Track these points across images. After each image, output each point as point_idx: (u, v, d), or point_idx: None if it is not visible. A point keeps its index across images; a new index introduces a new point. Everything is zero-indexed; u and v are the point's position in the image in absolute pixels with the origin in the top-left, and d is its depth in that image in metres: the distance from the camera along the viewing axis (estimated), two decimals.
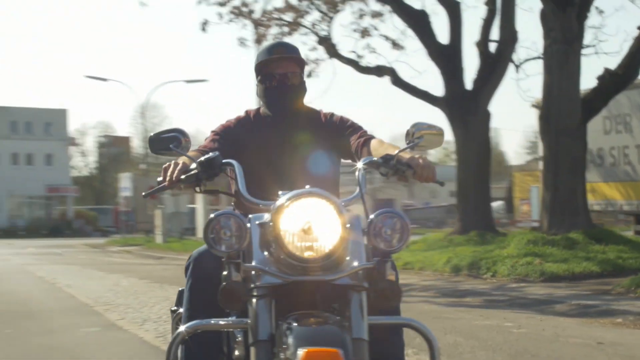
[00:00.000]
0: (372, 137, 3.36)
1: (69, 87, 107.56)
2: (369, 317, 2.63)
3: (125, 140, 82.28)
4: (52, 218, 60.89)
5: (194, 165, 2.95)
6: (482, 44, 17.07)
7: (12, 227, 55.16)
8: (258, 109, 3.57)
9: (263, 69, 3.44)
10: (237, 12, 17.25)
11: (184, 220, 35.63)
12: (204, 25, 17.25)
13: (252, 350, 2.57)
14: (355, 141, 3.37)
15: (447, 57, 16.91)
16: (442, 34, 17.38)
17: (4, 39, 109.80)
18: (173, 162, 3.01)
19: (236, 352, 2.88)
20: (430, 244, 16.80)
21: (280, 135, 3.40)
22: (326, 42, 17.52)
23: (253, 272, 2.60)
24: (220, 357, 3.20)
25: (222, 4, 16.92)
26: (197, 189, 3.00)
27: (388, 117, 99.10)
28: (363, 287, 2.60)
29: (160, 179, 3.02)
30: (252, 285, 2.59)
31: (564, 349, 6.63)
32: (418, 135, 3.03)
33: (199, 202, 30.35)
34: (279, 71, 3.41)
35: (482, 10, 17.59)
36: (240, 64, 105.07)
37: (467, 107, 16.70)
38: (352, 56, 17.88)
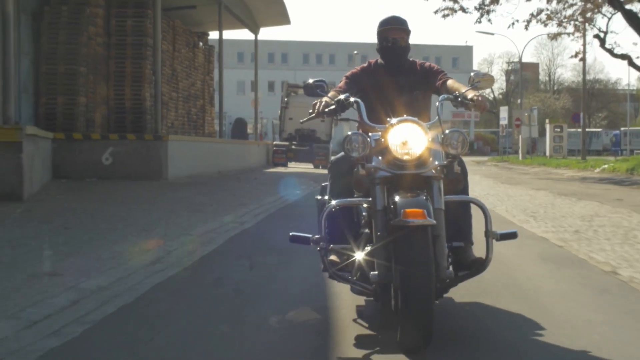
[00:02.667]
0: (448, 79, 4.70)
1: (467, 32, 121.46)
2: (445, 197, 4.07)
3: (534, 67, 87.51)
4: None
5: (332, 103, 4.34)
6: None
7: None
8: (377, 61, 4.91)
9: (382, 34, 4.77)
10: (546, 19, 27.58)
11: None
12: (527, 26, 27.78)
13: (374, 218, 4.02)
14: (438, 81, 4.71)
15: None
16: None
17: None
18: (319, 100, 4.43)
19: (362, 222, 4.44)
20: None
21: (390, 79, 4.76)
22: (599, 38, 27.19)
23: (372, 170, 4.03)
24: (352, 226, 4.52)
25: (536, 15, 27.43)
26: (335, 117, 4.43)
27: None
28: (440, 177, 4.03)
29: (311, 111, 4.44)
30: (372, 177, 4.03)
31: None
32: (477, 80, 4.41)
33: (548, 130, 40.52)
34: (393, 36, 4.74)
35: None
36: None
37: None
38: (608, 47, 27.46)
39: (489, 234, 4.11)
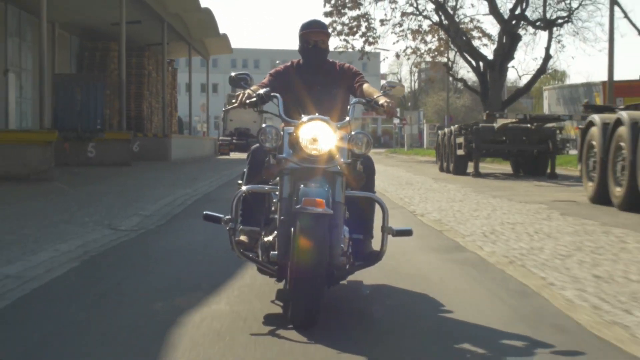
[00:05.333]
0: (365, 82, 5.00)
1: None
2: (349, 191, 4.41)
3: (441, 66, 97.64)
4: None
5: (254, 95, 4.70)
6: None
7: None
8: (299, 61, 5.17)
9: (304, 36, 5.04)
10: (410, 53, 39.46)
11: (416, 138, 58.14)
12: (397, 57, 39.71)
13: (279, 204, 4.33)
14: (355, 83, 5.02)
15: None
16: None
17: None
18: (242, 92, 4.71)
19: (272, 208, 4.64)
20: None
21: (309, 78, 5.03)
22: (447, 65, 39.74)
23: (283, 161, 4.30)
24: (264, 210, 4.78)
25: (403, 51, 39.28)
26: (256, 109, 4.69)
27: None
28: (343, 174, 4.32)
29: (234, 101, 4.73)
30: (282, 168, 4.31)
31: None
32: (389, 88, 4.75)
33: (425, 128, 52.77)
34: (314, 39, 5.02)
35: None
36: None
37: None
38: (452, 73, 39.87)
39: (385, 229, 4.43)
